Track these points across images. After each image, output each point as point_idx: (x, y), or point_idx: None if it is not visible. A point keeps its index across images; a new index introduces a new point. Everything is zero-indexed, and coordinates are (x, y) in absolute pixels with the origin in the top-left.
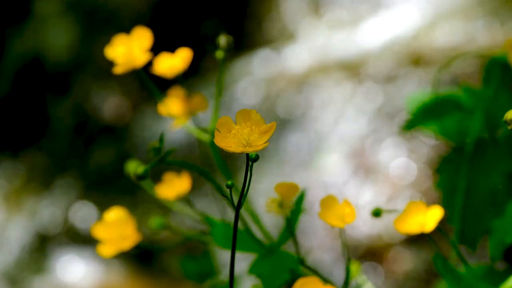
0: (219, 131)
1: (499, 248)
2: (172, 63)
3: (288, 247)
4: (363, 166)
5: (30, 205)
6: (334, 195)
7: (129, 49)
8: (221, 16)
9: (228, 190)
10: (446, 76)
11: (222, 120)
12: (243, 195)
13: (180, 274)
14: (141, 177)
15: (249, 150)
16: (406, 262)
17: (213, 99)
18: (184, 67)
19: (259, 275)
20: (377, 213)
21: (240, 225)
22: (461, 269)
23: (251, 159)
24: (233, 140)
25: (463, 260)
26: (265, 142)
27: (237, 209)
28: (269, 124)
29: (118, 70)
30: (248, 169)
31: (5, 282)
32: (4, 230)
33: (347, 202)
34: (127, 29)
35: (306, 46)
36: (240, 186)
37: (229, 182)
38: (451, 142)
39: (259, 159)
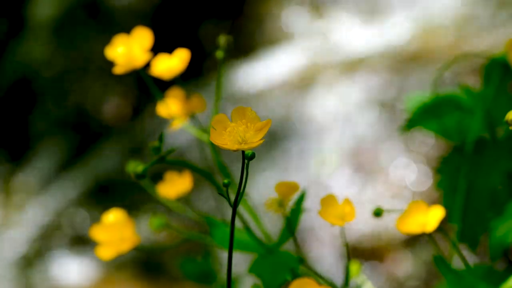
0: (214, 128)
1: (499, 248)
2: (170, 64)
3: (289, 247)
4: (363, 166)
5: (30, 206)
6: (334, 194)
7: (129, 49)
8: (221, 17)
9: (225, 189)
10: (446, 76)
11: (217, 117)
12: (239, 194)
13: (180, 275)
14: (140, 176)
15: (244, 147)
16: (406, 261)
17: (213, 100)
18: (182, 68)
19: (259, 275)
20: (378, 213)
21: (240, 225)
22: (461, 269)
23: (247, 157)
24: (228, 137)
25: (463, 259)
26: (260, 139)
27: (234, 207)
28: (264, 121)
29: (118, 70)
30: (244, 167)
31: (5, 282)
32: (4, 230)
33: (347, 201)
34: (127, 30)
35: (306, 46)
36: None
37: (225, 181)
38: (451, 142)
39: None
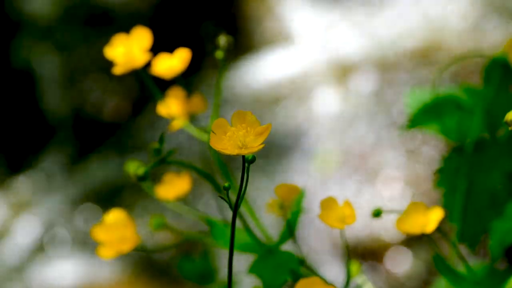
0: (214, 133)
1: (499, 248)
2: (171, 64)
3: (288, 247)
4: (363, 166)
5: (31, 206)
6: (334, 197)
7: (128, 49)
8: (220, 17)
9: (225, 192)
10: (446, 75)
11: (217, 122)
12: (240, 197)
13: (180, 275)
14: (142, 178)
15: (244, 152)
16: (406, 262)
17: (213, 99)
18: (183, 68)
19: (259, 275)
20: (377, 213)
21: (240, 225)
22: (461, 269)
23: (248, 161)
24: (228, 142)
25: (463, 260)
26: (260, 144)
27: (234, 210)
28: (264, 125)
29: (118, 70)
30: (245, 170)
31: (5, 283)
32: (7, 231)
33: (347, 203)
34: (126, 30)
35: (305, 46)
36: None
37: (226, 184)
38: (452, 141)
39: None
